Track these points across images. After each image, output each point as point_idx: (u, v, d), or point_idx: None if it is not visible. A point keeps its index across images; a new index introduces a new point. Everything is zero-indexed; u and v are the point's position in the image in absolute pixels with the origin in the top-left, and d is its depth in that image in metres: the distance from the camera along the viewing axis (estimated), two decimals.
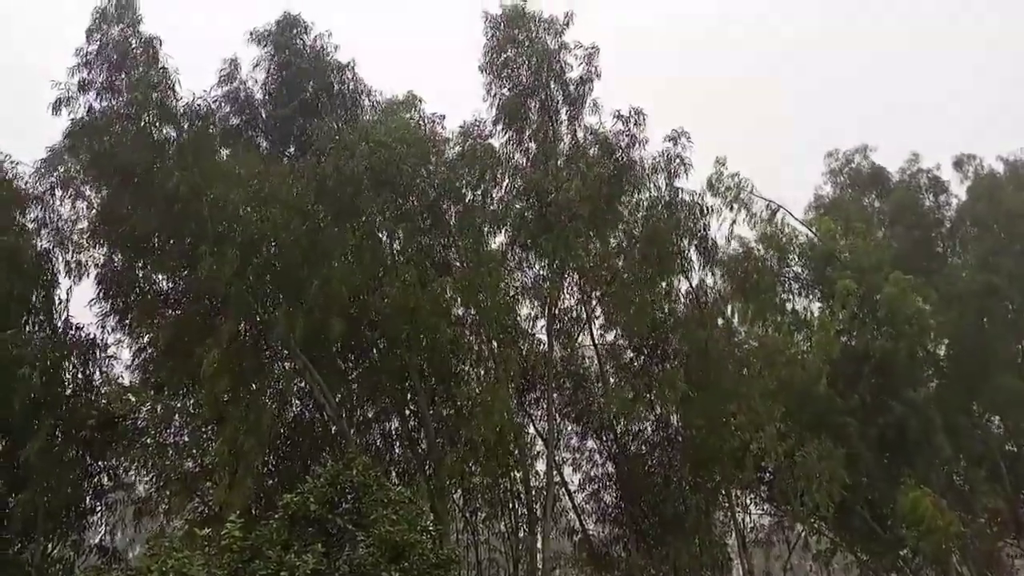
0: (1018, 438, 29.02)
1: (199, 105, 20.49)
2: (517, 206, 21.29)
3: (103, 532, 22.54)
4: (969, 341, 26.79)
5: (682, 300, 23.39)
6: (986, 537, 26.39)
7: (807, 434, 22.45)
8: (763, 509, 25.84)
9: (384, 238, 21.24)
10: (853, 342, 25.24)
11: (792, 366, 23.59)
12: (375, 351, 22.01)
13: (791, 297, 27.63)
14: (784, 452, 21.63)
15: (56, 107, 19.41)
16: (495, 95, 21.72)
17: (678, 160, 21.44)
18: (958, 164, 30.02)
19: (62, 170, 20.98)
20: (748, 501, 25.37)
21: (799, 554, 26.22)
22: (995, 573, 26.62)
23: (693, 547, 22.89)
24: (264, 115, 22.42)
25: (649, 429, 24.39)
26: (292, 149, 22.22)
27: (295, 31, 22.57)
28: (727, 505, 24.01)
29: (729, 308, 24.49)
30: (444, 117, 22.44)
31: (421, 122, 21.89)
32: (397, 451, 22.86)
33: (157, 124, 19.57)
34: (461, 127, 21.89)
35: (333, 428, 21.48)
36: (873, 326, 25.17)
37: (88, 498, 21.71)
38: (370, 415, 22.88)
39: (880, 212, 30.52)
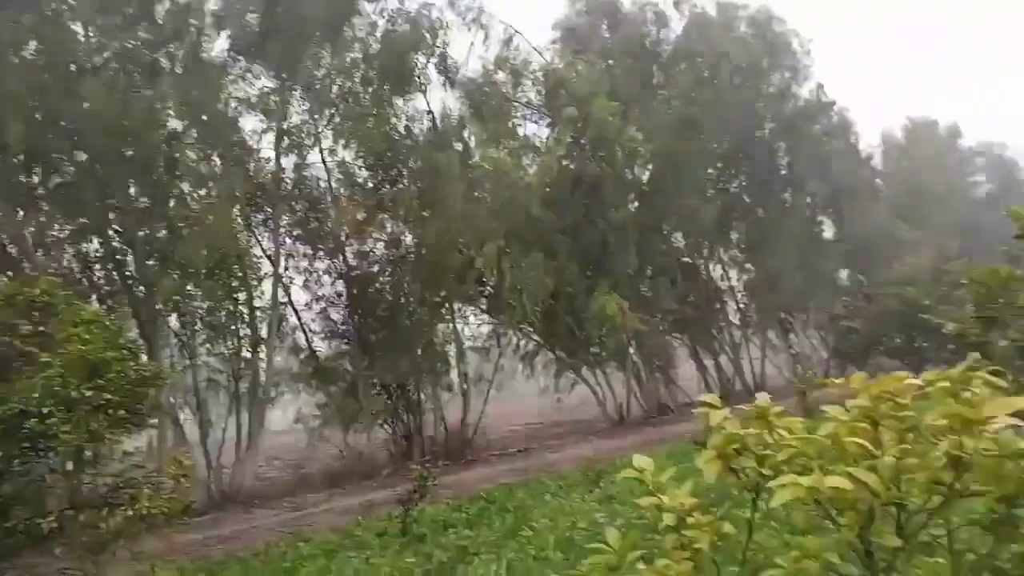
0: (691, 251, 34.01)
1: None
2: (239, 6, 18.65)
3: None
4: (667, 167, 29.70)
5: (423, 122, 22.95)
6: (658, 333, 31.48)
7: (525, 251, 24.24)
8: (482, 320, 27.91)
9: (80, 32, 17.56)
10: (573, 166, 27.09)
11: (515, 188, 24.88)
12: (71, 165, 18.97)
13: (523, 123, 28.32)
14: (504, 267, 23.34)
15: None
16: None
17: None
18: (676, 3, 31.28)
19: None
20: (469, 313, 27.23)
21: (509, 357, 28.92)
22: (660, 358, 32.08)
23: (416, 357, 24.36)
24: None
25: (381, 248, 24.63)
26: None
27: None
28: (450, 318, 25.71)
29: (467, 132, 24.56)
30: None
31: None
32: (99, 275, 20.58)
33: None
34: None
35: (14, 250, 18.68)
36: (589, 152, 27.08)
37: None
38: (63, 236, 20.04)
39: (611, 42, 31.37)
